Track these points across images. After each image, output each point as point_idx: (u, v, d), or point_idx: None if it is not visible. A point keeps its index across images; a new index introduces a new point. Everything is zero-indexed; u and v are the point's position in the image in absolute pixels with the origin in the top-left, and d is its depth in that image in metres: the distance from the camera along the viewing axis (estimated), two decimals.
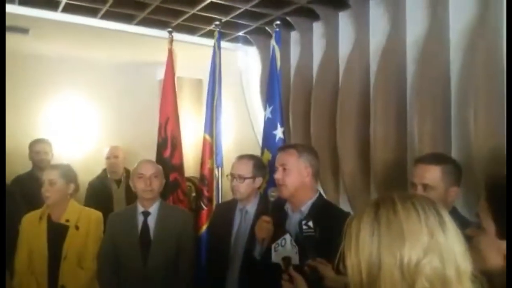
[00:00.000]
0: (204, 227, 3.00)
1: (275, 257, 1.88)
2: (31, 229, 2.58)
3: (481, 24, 2.25)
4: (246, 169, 2.49)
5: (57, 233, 2.55)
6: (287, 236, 1.93)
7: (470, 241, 1.16)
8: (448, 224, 0.93)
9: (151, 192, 2.58)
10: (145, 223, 2.59)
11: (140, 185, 2.58)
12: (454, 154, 2.35)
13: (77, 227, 2.57)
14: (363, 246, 0.93)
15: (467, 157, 2.25)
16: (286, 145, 2.46)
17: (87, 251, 2.58)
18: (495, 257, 1.13)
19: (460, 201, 2.08)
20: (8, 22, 3.44)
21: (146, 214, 2.60)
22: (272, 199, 2.14)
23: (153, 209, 2.61)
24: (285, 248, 1.92)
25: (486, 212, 1.16)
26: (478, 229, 1.17)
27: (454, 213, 1.84)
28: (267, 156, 2.95)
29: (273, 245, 1.96)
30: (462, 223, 1.18)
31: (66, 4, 3.16)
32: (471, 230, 1.17)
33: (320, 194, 2.16)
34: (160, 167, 2.73)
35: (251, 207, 2.50)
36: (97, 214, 2.72)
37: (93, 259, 2.58)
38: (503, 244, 1.11)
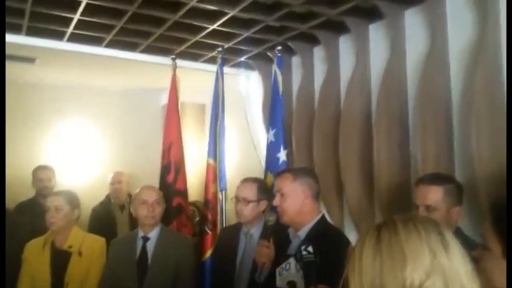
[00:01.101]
0: (209, 252, 2.98)
1: (280, 282, 1.87)
2: (34, 256, 2.57)
3: (480, 44, 2.28)
4: (251, 192, 2.48)
5: (60, 260, 2.53)
6: (292, 260, 1.91)
7: (477, 263, 1.15)
8: (451, 244, 0.92)
9: (153, 218, 2.58)
10: (143, 248, 2.57)
11: (142, 212, 2.58)
12: (458, 174, 2.34)
13: (80, 253, 2.56)
14: (366, 270, 0.92)
15: (470, 177, 2.24)
16: (282, 170, 2.45)
17: (89, 278, 2.55)
18: (502, 278, 1.11)
19: (464, 221, 2.06)
20: (14, 51, 3.54)
21: (145, 239, 2.59)
22: (270, 223, 2.13)
23: (153, 234, 2.60)
24: (290, 272, 1.90)
25: (491, 233, 1.15)
26: (484, 251, 1.16)
27: (458, 233, 1.82)
28: (271, 179, 2.94)
29: (277, 269, 1.95)
30: (467, 243, 1.17)
31: (72, 33, 3.24)
32: (477, 252, 1.16)
33: (322, 217, 2.11)
34: (161, 192, 2.73)
35: (256, 230, 2.48)
36: (100, 241, 2.71)
37: (95, 285, 2.55)
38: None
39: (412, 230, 0.91)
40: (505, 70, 2.18)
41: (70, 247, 2.57)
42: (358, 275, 0.92)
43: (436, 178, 1.95)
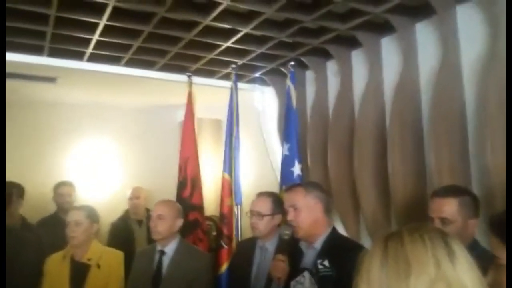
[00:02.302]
0: (225, 266, 2.99)
1: None
2: (54, 269, 2.62)
3: (491, 56, 2.28)
4: (265, 206, 2.50)
5: (79, 272, 2.58)
6: (306, 274, 1.92)
7: (495, 280, 1.14)
8: (458, 255, 0.91)
9: (157, 233, 2.59)
10: (160, 261, 2.60)
11: (149, 226, 2.64)
12: (474, 186, 2.32)
13: (98, 266, 2.61)
14: (373, 280, 0.93)
15: (487, 189, 2.22)
16: (292, 185, 2.46)
17: None
18: None
19: (481, 233, 2.03)
20: (36, 72, 3.68)
21: (162, 253, 2.62)
22: (285, 237, 2.14)
23: (169, 248, 2.62)
24: (304, 285, 1.91)
25: (499, 247, 1.15)
26: (498, 271, 1.15)
27: (475, 245, 1.81)
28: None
29: (291, 283, 1.95)
30: (484, 255, 1.17)
31: (91, 53, 3.35)
32: (490, 278, 1.15)
33: (334, 229, 2.14)
34: (173, 208, 2.70)
35: (271, 244, 2.48)
36: (118, 254, 2.75)
37: None
38: None
39: (418, 241, 0.92)
40: None
41: (89, 259, 2.62)
42: (366, 285, 0.93)
43: (451, 191, 1.94)
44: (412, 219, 2.52)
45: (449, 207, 1.86)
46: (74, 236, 2.62)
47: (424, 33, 2.75)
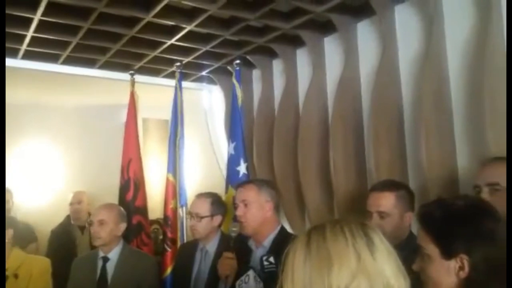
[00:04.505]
0: (169, 270, 2.92)
1: None
2: None
3: (426, 55, 2.36)
4: (204, 207, 2.46)
5: None
6: (251, 272, 1.91)
7: (423, 274, 1.17)
8: (377, 245, 0.92)
9: (98, 240, 2.49)
10: (103, 268, 2.50)
11: (90, 231, 2.54)
12: (411, 180, 2.40)
13: (16, 276, 2.43)
14: (297, 275, 0.92)
15: (422, 184, 2.30)
16: (244, 181, 2.46)
17: None
18: (448, 278, 1.14)
19: (416, 225, 2.10)
20: None
21: (105, 259, 2.52)
22: (233, 234, 2.12)
23: (113, 254, 2.52)
24: (249, 284, 1.89)
25: (425, 239, 1.18)
26: (423, 260, 1.18)
27: (410, 238, 1.85)
28: (232, 192, 2.92)
29: (237, 282, 1.93)
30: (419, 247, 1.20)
31: (26, 51, 3.17)
32: (417, 265, 1.19)
33: (282, 227, 2.14)
34: (115, 212, 2.60)
35: (211, 246, 2.45)
36: (41, 261, 2.60)
37: None
38: (450, 264, 1.13)
39: (339, 234, 0.92)
40: (450, 78, 2.27)
41: (5, 270, 2.46)
42: (291, 280, 0.92)
43: (388, 185, 1.99)
44: (355, 214, 2.58)
45: (386, 201, 1.91)
46: None
47: (365, 33, 2.82)
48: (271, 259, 1.87)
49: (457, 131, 2.23)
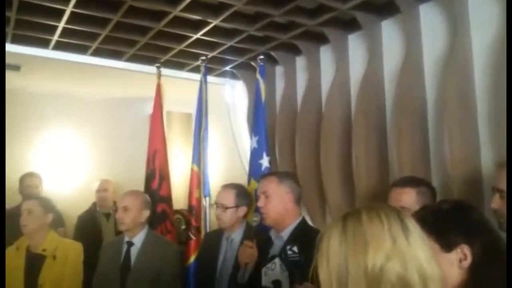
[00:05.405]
0: (193, 258, 3.00)
1: (265, 281, 1.91)
2: (9, 260, 2.56)
3: (451, 54, 2.37)
4: (229, 198, 2.52)
5: (34, 263, 2.54)
6: (277, 260, 1.96)
7: None
8: (412, 230, 0.96)
9: (123, 224, 2.58)
10: (127, 252, 2.59)
11: (116, 216, 2.63)
12: (434, 177, 2.42)
13: (54, 257, 2.57)
14: (333, 258, 0.96)
15: (445, 182, 2.33)
16: (266, 173, 2.51)
17: (63, 281, 2.56)
18: (452, 270, 1.20)
19: None
20: None
21: (129, 244, 2.61)
22: (254, 224, 2.18)
23: (137, 239, 2.61)
24: (275, 271, 1.94)
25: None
26: None
27: None
28: (254, 185, 2.99)
29: (263, 269, 1.99)
30: None
31: (57, 41, 3.27)
32: None
33: (303, 219, 2.20)
34: (139, 199, 2.67)
35: (236, 235, 2.52)
36: (76, 245, 2.73)
37: None
38: (451, 256, 1.21)
39: (375, 218, 0.96)
40: (475, 76, 2.28)
41: (44, 250, 2.58)
42: (326, 262, 0.97)
43: (409, 181, 2.02)
44: None
45: (408, 197, 1.94)
46: (25, 225, 2.58)
47: (389, 31, 2.83)
48: (295, 248, 1.92)
49: (482, 130, 2.24)
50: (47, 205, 2.68)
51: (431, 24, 2.57)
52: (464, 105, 2.27)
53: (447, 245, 1.20)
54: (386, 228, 0.94)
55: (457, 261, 1.20)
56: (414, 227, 0.98)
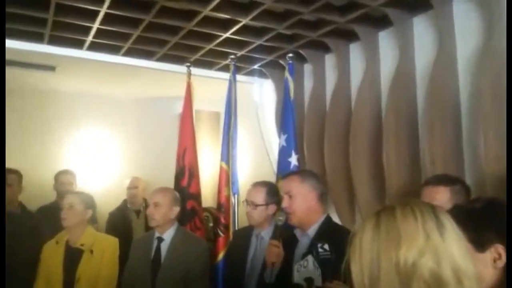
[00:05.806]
0: (221, 255, 3.04)
1: (298, 278, 1.92)
2: (49, 254, 2.67)
3: (486, 50, 2.31)
4: (259, 196, 2.54)
5: (72, 257, 2.63)
6: (310, 257, 1.95)
7: None
8: (447, 227, 0.95)
9: (153, 221, 2.64)
10: (158, 248, 2.64)
11: (147, 213, 2.69)
12: (468, 175, 2.37)
13: (91, 251, 2.64)
14: (365, 252, 0.96)
15: (480, 179, 2.27)
16: (288, 173, 2.50)
17: (100, 275, 2.63)
18: (487, 270, 1.18)
19: None
20: (36, 60, 3.69)
21: (160, 239, 2.66)
22: (279, 223, 2.19)
23: (167, 235, 2.66)
24: (308, 269, 1.94)
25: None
26: None
27: None
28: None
29: (295, 266, 1.99)
30: None
31: (91, 42, 3.36)
32: None
33: (328, 217, 2.18)
34: (169, 195, 2.72)
35: (266, 233, 2.53)
36: (112, 239, 2.80)
37: (105, 283, 2.63)
38: (485, 256, 1.18)
39: (409, 214, 0.96)
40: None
41: (82, 245, 2.66)
42: (358, 257, 0.97)
43: (443, 179, 1.98)
44: None
45: (441, 195, 1.90)
46: (65, 218, 2.66)
47: (421, 27, 2.78)
48: (326, 246, 1.91)
49: None
50: (87, 201, 2.77)
51: (465, 20, 2.51)
52: (499, 102, 2.20)
53: (481, 245, 1.18)
54: (420, 224, 0.94)
55: (491, 261, 1.17)
56: (450, 224, 0.96)
